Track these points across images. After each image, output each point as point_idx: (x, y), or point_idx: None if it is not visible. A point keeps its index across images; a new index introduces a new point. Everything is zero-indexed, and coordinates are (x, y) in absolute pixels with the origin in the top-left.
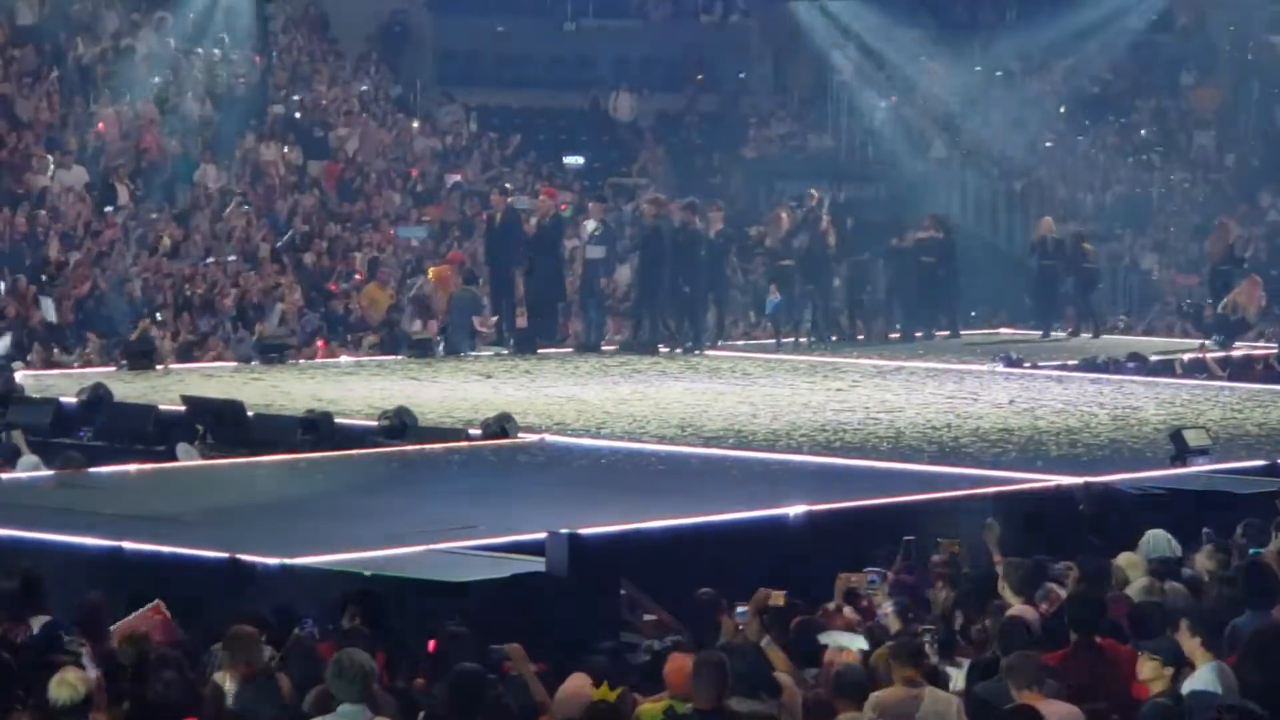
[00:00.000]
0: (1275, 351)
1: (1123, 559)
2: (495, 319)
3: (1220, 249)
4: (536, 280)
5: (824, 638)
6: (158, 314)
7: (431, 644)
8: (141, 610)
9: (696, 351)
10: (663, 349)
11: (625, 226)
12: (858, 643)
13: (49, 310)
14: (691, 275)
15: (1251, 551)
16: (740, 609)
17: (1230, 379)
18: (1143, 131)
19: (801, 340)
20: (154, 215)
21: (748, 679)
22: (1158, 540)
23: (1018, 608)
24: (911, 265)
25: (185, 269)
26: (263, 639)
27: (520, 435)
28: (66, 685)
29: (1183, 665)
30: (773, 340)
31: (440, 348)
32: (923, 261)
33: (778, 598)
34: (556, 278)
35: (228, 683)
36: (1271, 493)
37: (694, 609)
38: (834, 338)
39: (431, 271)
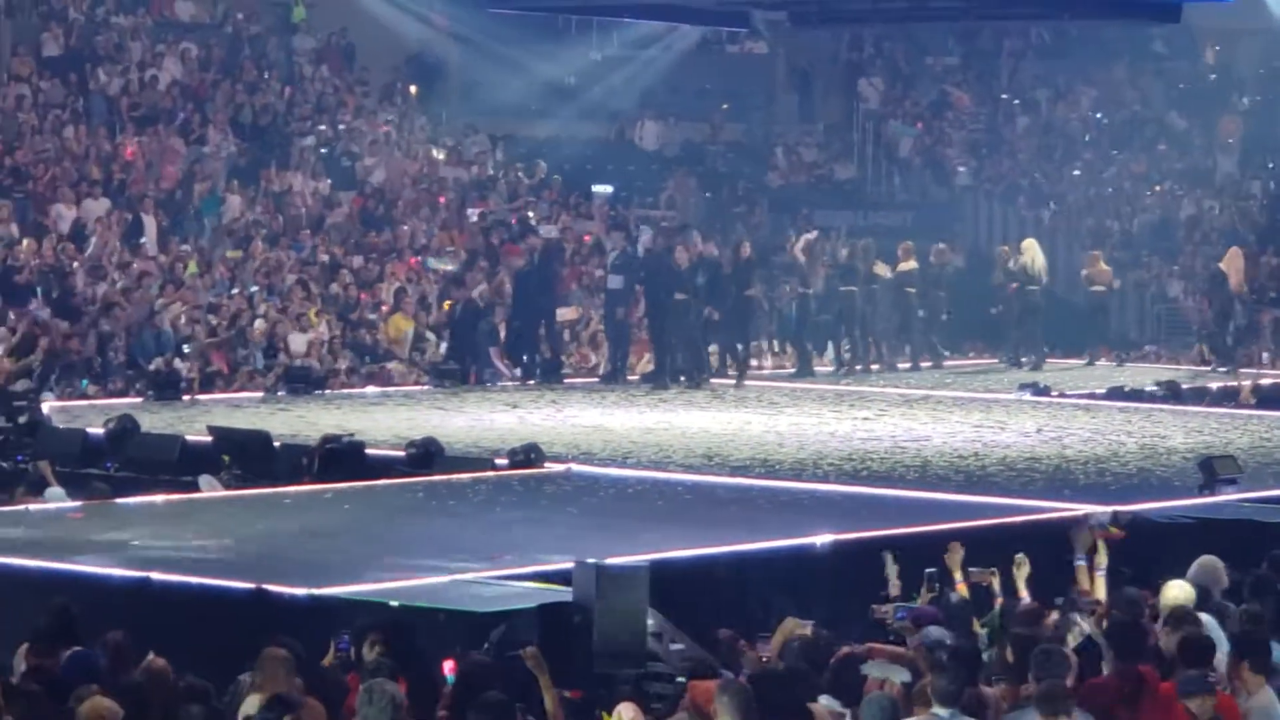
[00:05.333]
0: None
1: (1171, 587)
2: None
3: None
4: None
5: (867, 668)
6: (185, 346)
7: (450, 665)
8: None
9: (695, 384)
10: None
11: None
12: (901, 675)
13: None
14: (687, 307)
15: None
16: (765, 638)
17: (1259, 408)
18: (1166, 164)
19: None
20: (181, 246)
21: (780, 707)
22: (1205, 568)
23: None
24: (897, 296)
25: (217, 299)
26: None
27: (547, 465)
28: (97, 713)
29: None
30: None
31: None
32: (906, 292)
33: (805, 629)
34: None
35: (255, 709)
36: None
37: (715, 650)
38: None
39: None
